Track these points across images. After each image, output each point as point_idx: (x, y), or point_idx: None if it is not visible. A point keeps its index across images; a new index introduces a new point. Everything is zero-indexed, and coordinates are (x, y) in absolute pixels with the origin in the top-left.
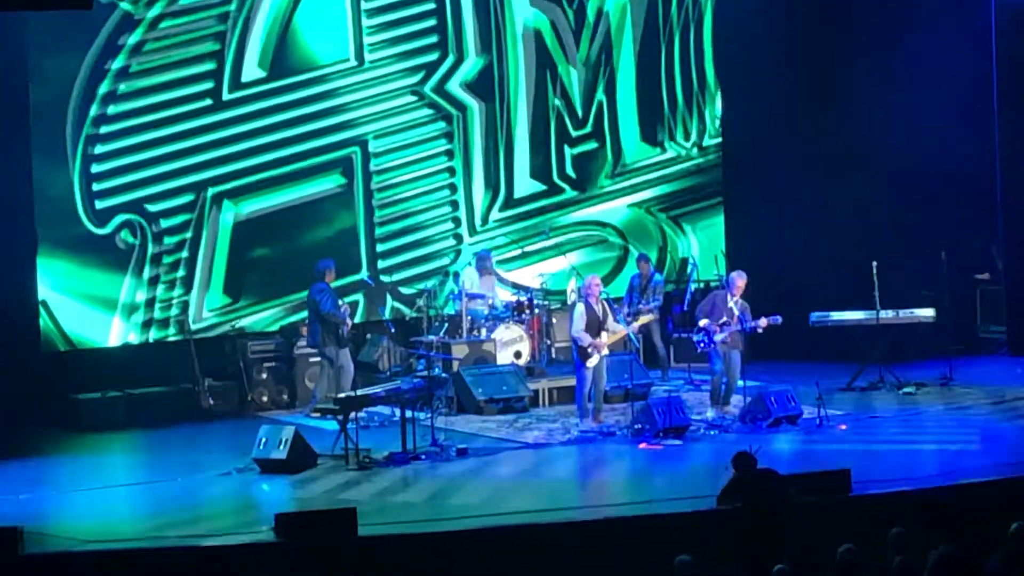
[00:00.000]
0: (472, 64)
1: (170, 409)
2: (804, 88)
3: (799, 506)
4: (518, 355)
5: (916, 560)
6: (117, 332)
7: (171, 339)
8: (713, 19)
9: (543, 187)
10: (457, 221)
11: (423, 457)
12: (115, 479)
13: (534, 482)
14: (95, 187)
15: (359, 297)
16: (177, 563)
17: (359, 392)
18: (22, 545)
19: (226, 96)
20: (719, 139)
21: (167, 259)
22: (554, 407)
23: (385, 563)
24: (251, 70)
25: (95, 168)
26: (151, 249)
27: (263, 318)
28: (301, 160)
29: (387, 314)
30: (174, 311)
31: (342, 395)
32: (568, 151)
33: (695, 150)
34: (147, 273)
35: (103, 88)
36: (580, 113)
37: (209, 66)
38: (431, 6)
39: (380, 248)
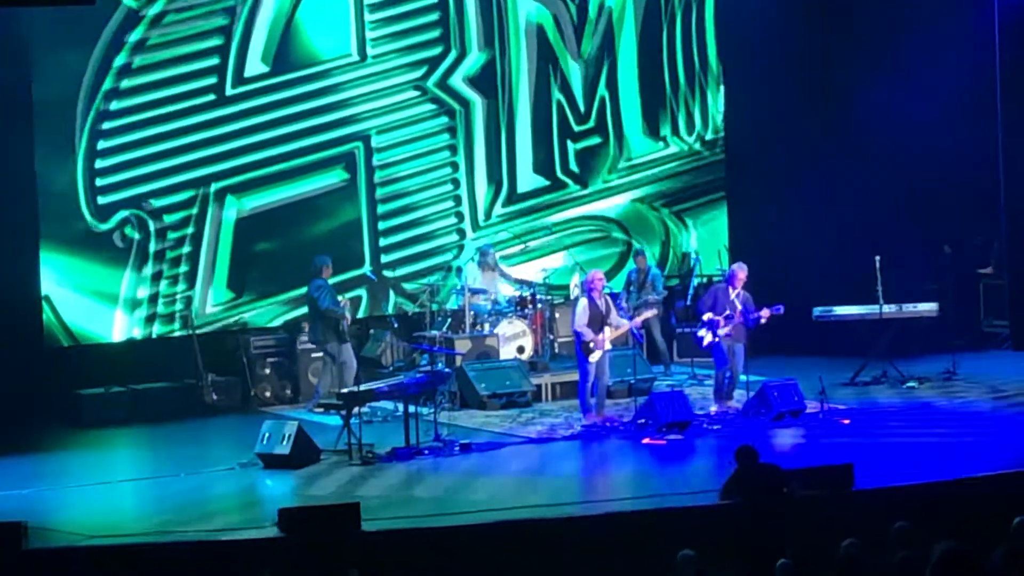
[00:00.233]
0: (475, 59)
1: (173, 404)
2: (807, 83)
3: (801, 500)
4: (521, 350)
5: (919, 555)
6: (121, 327)
7: (174, 334)
8: (715, 6)
9: (546, 182)
10: (460, 216)
11: (426, 452)
12: (118, 474)
13: (537, 477)
14: (98, 183)
15: (362, 292)
16: (180, 558)
17: (362, 387)
18: (26, 540)
19: (229, 91)
20: (722, 133)
21: (170, 254)
22: (557, 402)
23: (389, 558)
24: (254, 65)
25: (98, 164)
26: (154, 244)
27: (266, 313)
28: (304, 155)
29: (390, 309)
30: (177, 306)
31: (345, 390)
32: (571, 146)
33: (698, 144)
34: (150, 268)
35: (106, 84)
36: (583, 108)
37: (212, 61)
38: (434, 0)
39: (383, 243)
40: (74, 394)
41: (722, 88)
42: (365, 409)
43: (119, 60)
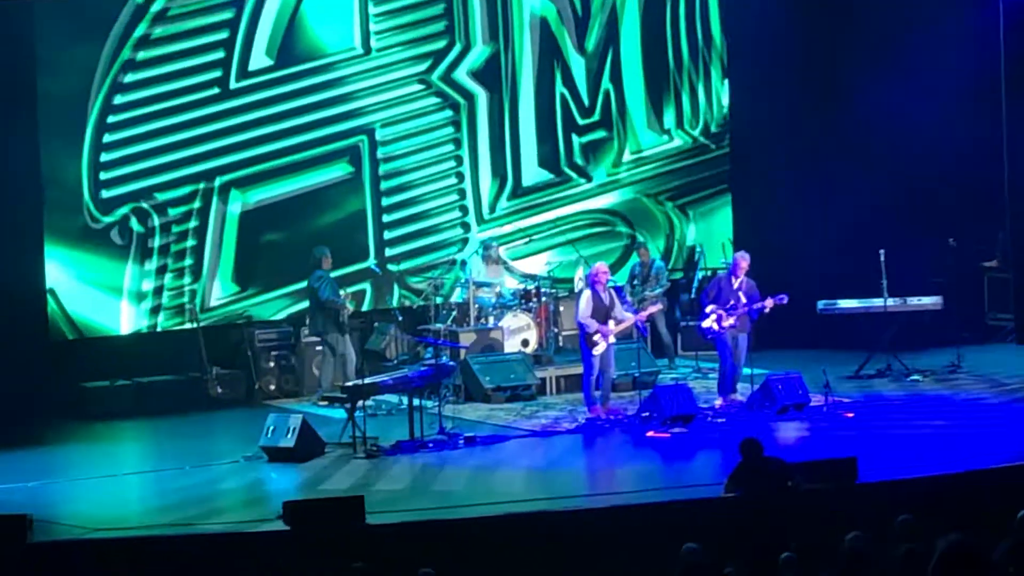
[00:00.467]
0: (479, 52)
1: (178, 397)
2: (811, 77)
3: (805, 494)
4: (525, 343)
5: (923, 548)
6: (129, 320)
7: (179, 328)
8: None
9: (551, 176)
10: (464, 210)
11: (431, 445)
12: (123, 467)
13: (541, 470)
14: (103, 176)
15: (366, 286)
16: (185, 551)
17: (366, 380)
18: (30, 533)
19: (233, 85)
20: (726, 127)
21: (175, 248)
22: (561, 395)
23: (393, 551)
24: (259, 59)
25: (103, 157)
26: (159, 238)
27: (270, 306)
28: (308, 149)
29: (394, 302)
30: (182, 300)
31: (349, 383)
32: (576, 140)
33: (703, 136)
34: (155, 262)
35: (111, 77)
36: (587, 102)
37: (217, 55)
38: None
39: (387, 236)
40: (79, 387)
41: (727, 81)
42: (369, 402)
43: (124, 54)
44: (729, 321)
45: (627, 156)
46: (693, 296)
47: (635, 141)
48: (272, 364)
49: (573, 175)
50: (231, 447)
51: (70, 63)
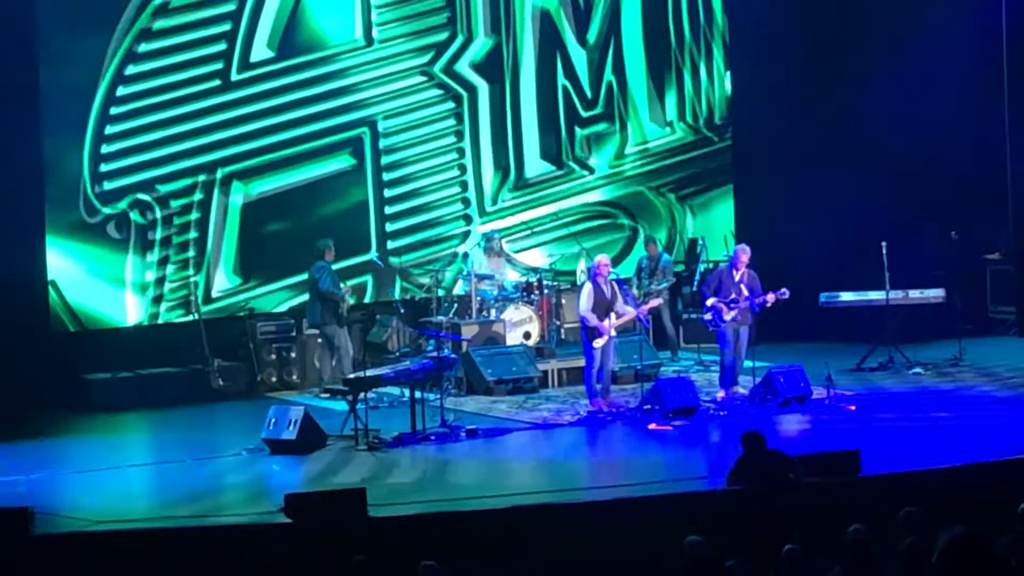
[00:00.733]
0: (481, 44)
1: (180, 390)
2: (814, 69)
3: (808, 486)
4: (527, 336)
5: (927, 541)
6: (134, 311)
7: (181, 320)
8: None
9: (553, 168)
10: (466, 202)
11: (432, 438)
12: (125, 459)
13: (543, 463)
14: (104, 168)
15: (368, 278)
16: (187, 543)
17: (368, 373)
18: (32, 526)
19: (235, 76)
20: (728, 120)
21: (176, 240)
22: (563, 388)
23: (394, 544)
24: (261, 50)
25: (105, 149)
26: (160, 230)
27: (272, 298)
28: (310, 141)
29: (396, 295)
30: (184, 292)
31: (351, 376)
32: (578, 132)
33: (705, 129)
34: (156, 254)
35: (113, 69)
36: (589, 94)
37: (219, 47)
38: None
39: (389, 228)
40: (81, 379)
41: (728, 72)
42: (371, 394)
43: (125, 45)
44: (730, 315)
45: (629, 148)
46: (695, 289)
47: (637, 133)
48: (274, 356)
49: (575, 167)
50: (233, 439)
51: (72, 55)
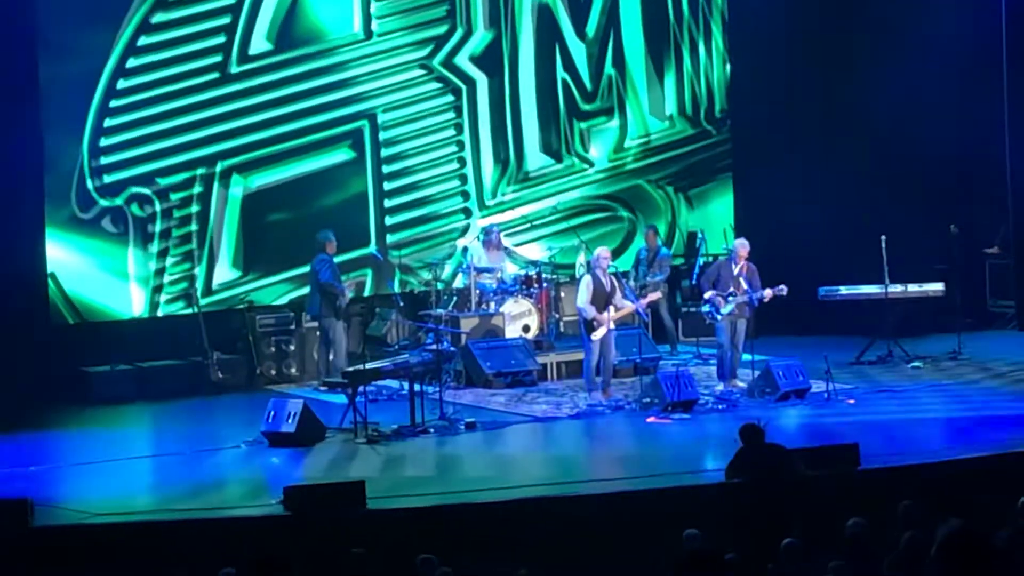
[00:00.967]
0: (480, 38)
1: (179, 382)
2: (813, 63)
3: (807, 480)
4: (526, 329)
5: (925, 534)
6: (139, 302)
7: (180, 312)
8: None
9: (552, 161)
10: (466, 195)
11: (431, 431)
12: (124, 452)
13: (542, 456)
14: (104, 160)
15: (367, 271)
16: (186, 536)
17: (367, 366)
18: (31, 518)
19: (235, 69)
20: (727, 114)
21: (176, 233)
22: (562, 381)
23: (393, 537)
24: (259, 43)
25: (104, 141)
26: (160, 223)
27: (271, 291)
28: (310, 134)
29: (395, 288)
30: (183, 284)
31: (350, 368)
32: (578, 125)
33: (705, 122)
34: (156, 246)
35: (113, 62)
36: (589, 87)
37: (218, 40)
38: None
39: (389, 221)
40: (80, 371)
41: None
42: (370, 387)
43: (126, 38)
44: (727, 308)
45: (629, 142)
46: (694, 282)
47: (637, 127)
48: (273, 349)
49: (575, 161)
50: (232, 432)
51: (73, 48)
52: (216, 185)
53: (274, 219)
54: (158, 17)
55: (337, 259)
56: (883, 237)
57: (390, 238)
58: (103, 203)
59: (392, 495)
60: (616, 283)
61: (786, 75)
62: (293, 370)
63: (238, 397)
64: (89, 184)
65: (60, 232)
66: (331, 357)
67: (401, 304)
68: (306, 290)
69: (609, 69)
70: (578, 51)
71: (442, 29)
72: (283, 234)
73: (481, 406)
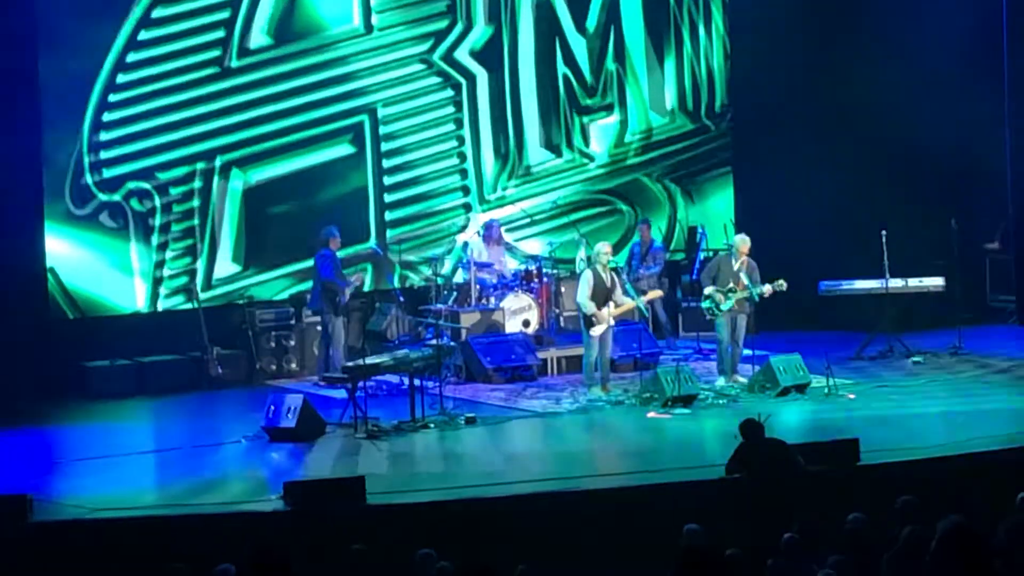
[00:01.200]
0: (480, 32)
1: (179, 377)
2: (813, 57)
3: (807, 475)
4: (527, 324)
5: (925, 530)
6: (137, 297)
7: (180, 307)
8: None
9: (553, 156)
10: (467, 190)
11: (431, 426)
12: (124, 447)
13: (542, 451)
14: (103, 155)
15: (367, 266)
16: (186, 531)
17: (367, 361)
18: (31, 513)
19: (235, 64)
20: (728, 108)
21: (176, 227)
22: (562, 376)
23: (393, 532)
24: (258, 38)
25: (104, 136)
26: (159, 217)
27: (271, 286)
28: (310, 128)
29: (395, 283)
30: (183, 279)
31: (350, 363)
32: (578, 120)
33: (705, 118)
34: (155, 241)
35: (114, 56)
36: (590, 82)
37: (218, 34)
38: None
39: (389, 216)
40: (80, 367)
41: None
42: (370, 382)
43: (125, 33)
44: (727, 304)
45: (629, 136)
46: (695, 277)
47: (637, 122)
48: (273, 344)
49: (575, 155)
50: (232, 427)
51: (74, 42)
52: (216, 180)
53: (274, 214)
54: (159, 12)
55: (339, 254)
56: (883, 232)
57: (390, 233)
58: (102, 197)
59: (392, 490)
60: (616, 279)
61: (786, 71)
62: (293, 365)
63: (238, 392)
64: (89, 179)
65: (60, 227)
66: (330, 351)
67: (401, 299)
68: (306, 285)
69: (610, 64)
70: (578, 45)
71: (442, 24)
72: (283, 229)
73: (481, 401)
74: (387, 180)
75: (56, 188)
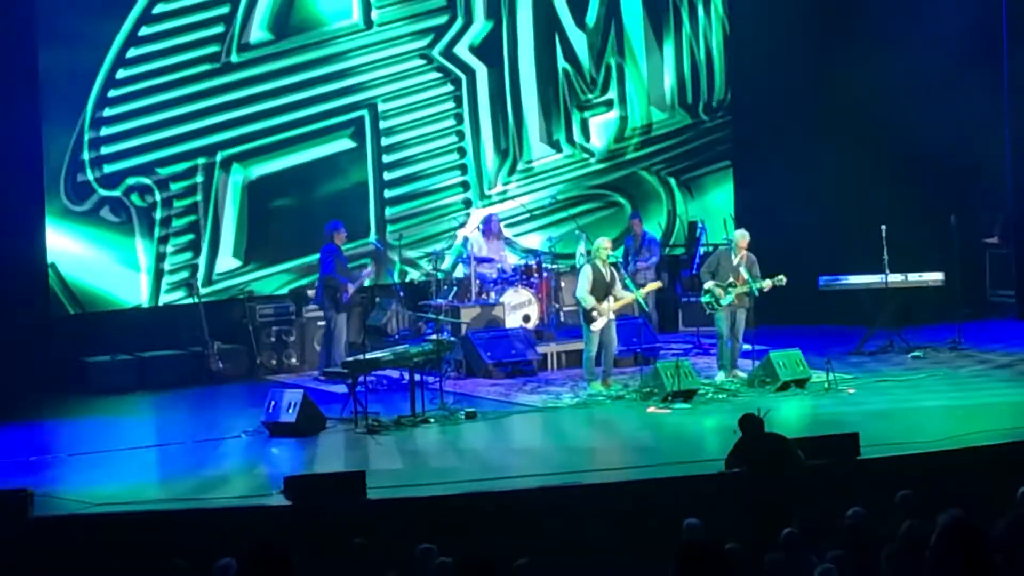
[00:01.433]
0: (480, 28)
1: (179, 372)
2: (813, 52)
3: (807, 469)
4: (527, 319)
5: (924, 524)
6: (140, 291)
7: (180, 302)
8: None
9: (552, 151)
10: (466, 185)
11: (431, 420)
12: (124, 442)
13: (542, 446)
14: (104, 150)
15: (367, 261)
16: (186, 526)
17: (367, 356)
18: (31, 508)
19: (235, 59)
20: (727, 101)
21: (176, 223)
22: (562, 370)
23: (393, 526)
24: (258, 33)
25: (104, 132)
26: (160, 213)
27: (272, 281)
28: (310, 123)
29: (396, 278)
30: (184, 274)
31: (351, 358)
32: (578, 115)
33: (703, 113)
34: (156, 236)
35: (115, 51)
36: (589, 77)
37: (218, 29)
38: None
39: (389, 212)
40: (80, 362)
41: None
42: (370, 377)
43: (125, 28)
44: (726, 300)
45: (629, 131)
46: (695, 272)
47: (639, 116)
48: (273, 339)
49: (575, 150)
50: (232, 422)
51: (75, 37)
52: (216, 175)
53: (275, 209)
54: (160, 7)
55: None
56: (883, 227)
57: (390, 228)
58: (102, 193)
59: (392, 485)
60: (616, 274)
61: (786, 67)
62: (293, 360)
63: (238, 387)
64: (89, 174)
65: (62, 221)
66: (330, 348)
67: (401, 294)
68: (306, 280)
69: (609, 58)
70: (578, 40)
71: (442, 19)
72: (284, 224)
73: (481, 396)
74: (387, 175)
75: (55, 184)
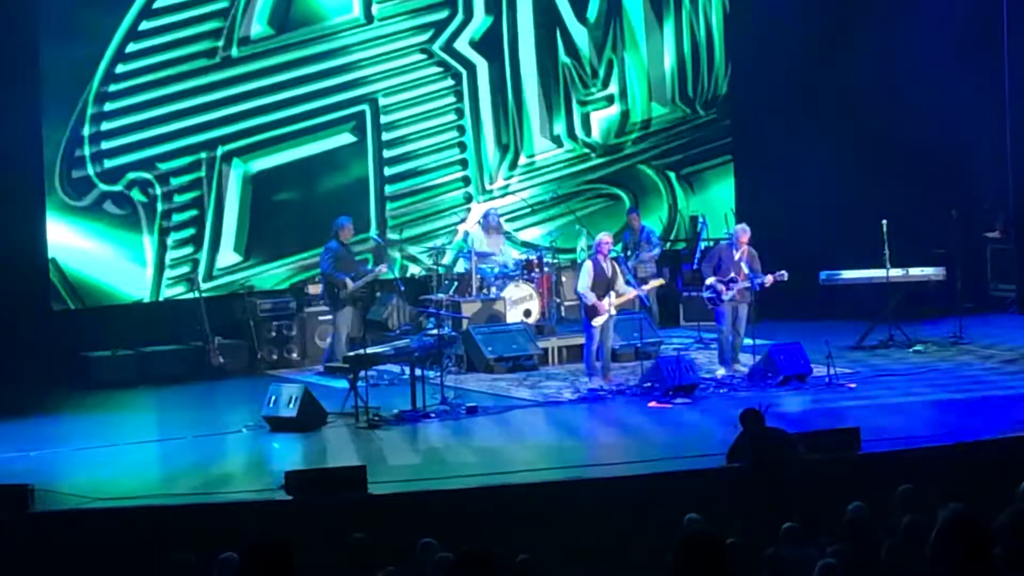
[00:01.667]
0: (480, 22)
1: (180, 367)
2: (813, 47)
3: (808, 464)
4: (528, 313)
5: (925, 518)
6: (144, 285)
7: (181, 297)
8: None
9: (553, 146)
10: (467, 180)
11: (432, 415)
12: (125, 437)
13: (543, 440)
14: (104, 145)
15: (368, 256)
16: (187, 520)
17: (368, 351)
18: (32, 503)
19: (235, 53)
20: (727, 94)
21: (177, 217)
22: (563, 365)
23: (394, 521)
24: (258, 27)
25: (105, 126)
26: (160, 207)
27: (273, 276)
28: (311, 118)
29: (396, 273)
30: (185, 269)
31: (351, 353)
32: (579, 110)
33: (702, 110)
34: (157, 231)
35: (115, 46)
36: (590, 72)
37: (218, 24)
38: None
39: (390, 207)
40: (81, 357)
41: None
42: (372, 372)
43: (126, 22)
44: (729, 295)
45: (630, 126)
46: (696, 267)
47: (640, 112)
48: (274, 334)
49: (576, 145)
50: (233, 417)
51: (75, 31)
52: (217, 170)
53: (276, 204)
54: (160, 1)
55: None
56: (884, 221)
57: (391, 222)
58: (103, 187)
59: (393, 479)
60: (617, 269)
61: (786, 61)
62: (294, 355)
63: (239, 382)
64: (89, 169)
65: (64, 216)
66: (329, 343)
67: (402, 289)
68: (307, 275)
69: (609, 53)
70: (580, 36)
71: (442, 14)
72: (285, 219)
73: (482, 391)
74: (388, 170)
75: (54, 178)
